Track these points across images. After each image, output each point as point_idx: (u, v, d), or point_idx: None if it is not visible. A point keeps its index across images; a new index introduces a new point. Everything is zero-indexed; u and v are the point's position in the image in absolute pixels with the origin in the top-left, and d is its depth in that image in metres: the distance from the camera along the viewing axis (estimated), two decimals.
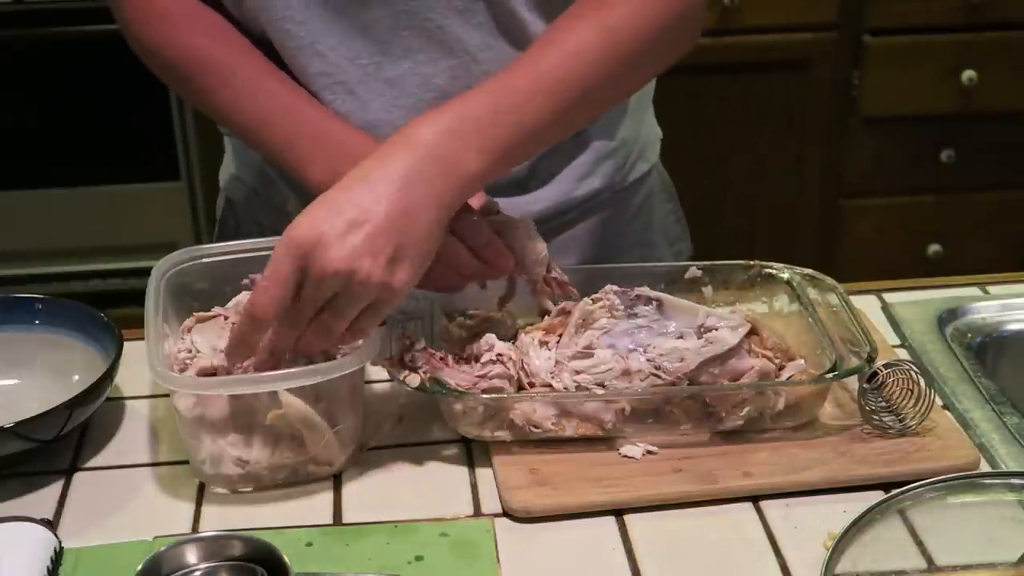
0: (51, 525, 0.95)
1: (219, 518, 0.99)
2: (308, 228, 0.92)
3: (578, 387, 1.04)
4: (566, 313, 1.10)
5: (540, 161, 1.22)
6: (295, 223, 0.93)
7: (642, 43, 1.06)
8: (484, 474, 1.03)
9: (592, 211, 1.28)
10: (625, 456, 1.03)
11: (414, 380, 1.01)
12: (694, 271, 1.17)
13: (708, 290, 1.16)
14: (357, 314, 0.95)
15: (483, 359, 1.04)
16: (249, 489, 1.02)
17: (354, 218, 0.92)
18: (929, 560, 0.93)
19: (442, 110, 0.98)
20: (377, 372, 1.08)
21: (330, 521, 0.99)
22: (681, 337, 1.07)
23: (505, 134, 0.99)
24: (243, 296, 1.09)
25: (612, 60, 1.04)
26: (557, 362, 1.06)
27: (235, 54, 1.15)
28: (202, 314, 1.08)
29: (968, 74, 2.52)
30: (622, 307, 1.09)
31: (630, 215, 1.31)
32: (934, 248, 2.69)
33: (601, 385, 1.04)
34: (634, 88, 1.15)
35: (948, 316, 1.25)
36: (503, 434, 1.04)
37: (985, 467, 1.03)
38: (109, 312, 1.13)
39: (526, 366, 1.05)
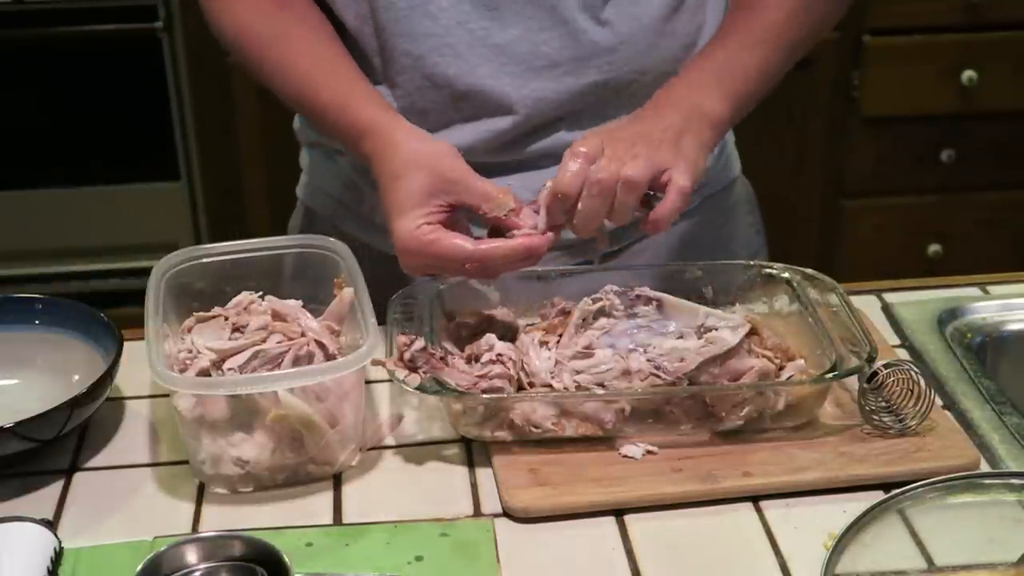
0: (51, 525, 0.95)
1: (219, 518, 0.99)
2: (594, 146, 1.05)
3: (578, 387, 1.04)
4: (566, 313, 1.10)
5: None
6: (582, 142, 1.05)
7: None
8: (484, 474, 1.03)
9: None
10: (625, 456, 1.03)
11: (414, 380, 1.01)
12: (694, 271, 1.17)
13: (708, 290, 1.17)
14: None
15: (483, 359, 1.04)
16: (249, 489, 1.02)
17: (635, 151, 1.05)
18: (929, 560, 0.93)
19: (686, 72, 1.15)
20: (377, 372, 1.08)
21: (330, 521, 0.99)
22: (681, 337, 1.07)
23: (737, 80, 1.15)
24: (243, 296, 1.09)
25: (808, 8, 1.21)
26: (557, 362, 1.06)
27: (281, 23, 1.17)
28: (202, 314, 1.08)
29: (968, 74, 2.52)
30: (622, 307, 1.09)
31: (718, 223, 1.32)
32: (934, 248, 2.68)
33: (601, 385, 1.04)
34: (819, 35, 1.27)
35: (948, 316, 1.25)
36: (503, 434, 1.04)
37: (985, 467, 1.03)
38: (109, 312, 1.13)
39: (526, 366, 1.05)
